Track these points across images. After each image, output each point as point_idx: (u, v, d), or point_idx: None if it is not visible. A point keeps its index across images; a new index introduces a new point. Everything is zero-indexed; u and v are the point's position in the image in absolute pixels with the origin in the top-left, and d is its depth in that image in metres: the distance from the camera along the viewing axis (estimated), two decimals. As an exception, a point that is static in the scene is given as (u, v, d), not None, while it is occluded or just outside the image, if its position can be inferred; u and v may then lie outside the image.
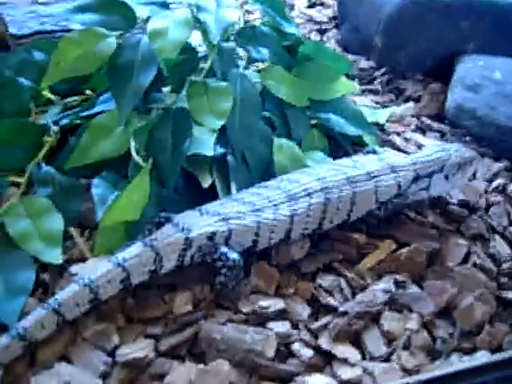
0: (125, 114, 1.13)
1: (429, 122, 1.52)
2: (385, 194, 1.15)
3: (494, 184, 1.36)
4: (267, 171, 1.23)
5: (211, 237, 1.01)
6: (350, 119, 1.35)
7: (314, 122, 1.36)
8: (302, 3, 2.09)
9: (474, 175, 1.38)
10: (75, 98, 1.28)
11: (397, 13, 1.63)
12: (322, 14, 2.02)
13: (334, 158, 1.32)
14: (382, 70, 1.69)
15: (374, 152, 1.25)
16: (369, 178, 1.13)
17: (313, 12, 2.03)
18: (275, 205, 1.06)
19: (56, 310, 0.90)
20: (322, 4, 2.11)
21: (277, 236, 1.06)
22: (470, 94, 1.48)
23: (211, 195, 1.15)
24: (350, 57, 1.75)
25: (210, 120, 1.15)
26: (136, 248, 0.97)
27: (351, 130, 1.34)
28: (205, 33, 1.17)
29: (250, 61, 1.32)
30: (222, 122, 1.15)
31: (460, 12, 1.65)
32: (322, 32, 1.91)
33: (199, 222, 1.01)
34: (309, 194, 1.08)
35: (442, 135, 1.50)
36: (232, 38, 1.29)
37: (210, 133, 1.14)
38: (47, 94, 1.26)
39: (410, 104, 1.57)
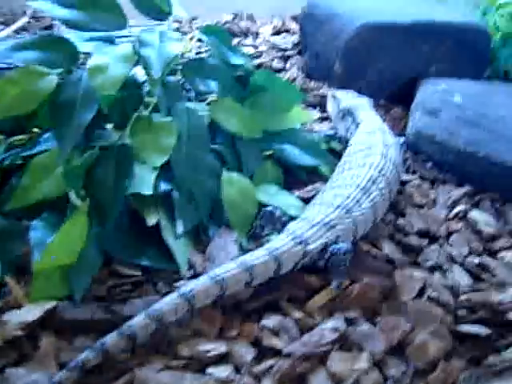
0: (65, 152, 1.10)
1: (390, 148, 1.49)
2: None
3: (455, 211, 1.32)
4: (216, 206, 1.20)
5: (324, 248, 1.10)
6: (305, 149, 1.33)
7: (268, 152, 1.34)
8: (267, 31, 2.08)
9: (434, 201, 1.36)
10: (21, 136, 1.25)
11: (354, 39, 1.60)
12: (286, 41, 2.00)
13: (290, 190, 1.30)
14: (344, 96, 1.66)
15: None
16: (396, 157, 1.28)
17: (277, 39, 2.01)
18: (357, 201, 1.16)
19: (218, 281, 0.99)
20: (287, 31, 2.09)
21: (368, 225, 1.18)
22: (430, 119, 1.45)
23: (157, 233, 1.12)
24: (313, 84, 1.73)
25: (152, 157, 1.12)
26: (259, 253, 1.05)
27: (307, 161, 1.32)
28: (147, 68, 1.14)
29: (198, 94, 1.29)
30: (165, 159, 1.12)
31: (420, 35, 1.63)
32: (285, 59, 1.89)
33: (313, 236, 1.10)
34: (374, 183, 1.19)
35: (404, 161, 1.47)
36: (179, 71, 1.26)
37: (151, 170, 1.11)
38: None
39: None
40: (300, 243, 1.07)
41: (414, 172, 1.43)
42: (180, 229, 1.13)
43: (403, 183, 1.38)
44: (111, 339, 0.91)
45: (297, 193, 1.29)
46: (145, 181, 1.09)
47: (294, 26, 2.13)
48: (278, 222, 1.17)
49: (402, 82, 1.66)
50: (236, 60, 1.28)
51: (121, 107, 1.16)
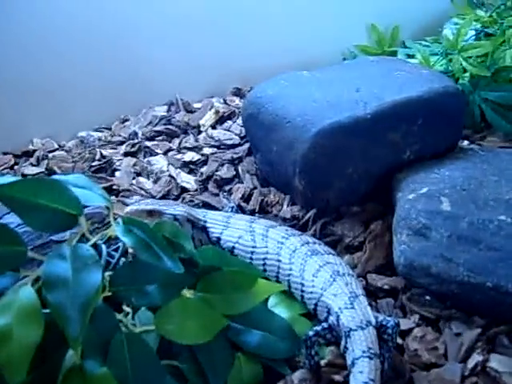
0: None
1: (378, 281, 1.25)
2: None
3: (471, 365, 1.10)
4: None
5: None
6: (280, 333, 1.10)
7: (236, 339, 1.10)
8: (208, 121, 1.79)
9: (444, 355, 1.14)
10: None
11: (311, 151, 1.33)
12: (231, 133, 1.73)
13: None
14: (312, 212, 1.40)
15: None
16: None
17: (221, 132, 1.74)
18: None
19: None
20: (230, 116, 1.81)
21: None
22: (419, 244, 1.20)
23: None
24: (273, 196, 1.47)
25: None
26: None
27: (285, 348, 1.09)
28: (61, 324, 0.88)
29: (137, 308, 1.04)
30: None
31: (385, 124, 1.37)
32: (235, 163, 1.61)
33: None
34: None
35: (396, 298, 1.23)
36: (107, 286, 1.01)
37: None
38: None
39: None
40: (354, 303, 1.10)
41: (411, 312, 1.19)
42: None
43: (403, 335, 1.16)
44: None
45: (283, 394, 1.06)
46: None
47: (238, 102, 1.86)
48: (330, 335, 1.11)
49: (376, 178, 1.41)
50: (168, 263, 1.01)
51: (40, 360, 0.92)
